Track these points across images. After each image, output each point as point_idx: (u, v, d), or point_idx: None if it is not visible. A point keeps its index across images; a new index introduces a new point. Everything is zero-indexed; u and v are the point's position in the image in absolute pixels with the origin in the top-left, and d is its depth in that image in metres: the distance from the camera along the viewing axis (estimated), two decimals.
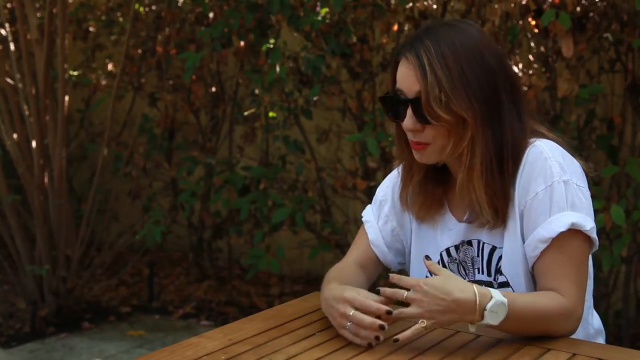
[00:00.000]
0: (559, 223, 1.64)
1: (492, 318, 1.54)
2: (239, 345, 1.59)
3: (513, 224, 1.70)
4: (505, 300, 1.54)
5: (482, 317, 1.54)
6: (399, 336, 1.55)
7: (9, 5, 4.84)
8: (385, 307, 1.57)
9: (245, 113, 4.48)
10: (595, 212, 3.11)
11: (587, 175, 1.72)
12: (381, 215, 1.92)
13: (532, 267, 1.69)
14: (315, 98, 4.06)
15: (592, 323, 1.82)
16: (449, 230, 1.80)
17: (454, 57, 1.64)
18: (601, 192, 3.24)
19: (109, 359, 3.88)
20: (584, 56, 3.56)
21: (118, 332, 4.25)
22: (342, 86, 4.03)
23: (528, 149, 1.69)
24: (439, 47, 1.64)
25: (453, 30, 1.68)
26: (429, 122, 1.65)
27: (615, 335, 3.67)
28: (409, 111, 1.67)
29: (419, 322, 1.55)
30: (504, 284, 1.73)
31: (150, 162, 4.88)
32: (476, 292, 1.53)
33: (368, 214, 1.95)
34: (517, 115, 1.70)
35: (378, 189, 1.96)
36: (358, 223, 4.61)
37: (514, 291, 1.71)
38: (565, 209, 1.64)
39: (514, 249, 1.70)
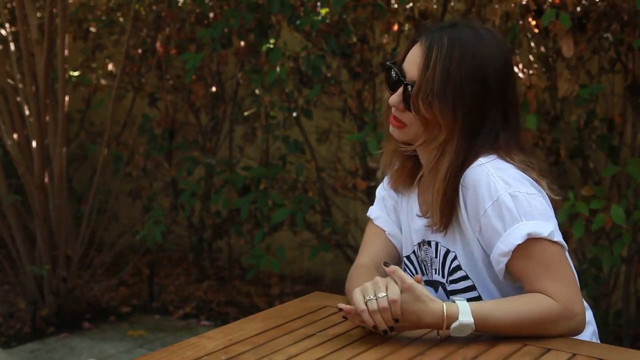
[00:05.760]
0: (515, 235, 1.64)
1: (459, 334, 1.60)
2: (239, 345, 1.60)
3: (465, 231, 1.72)
4: (471, 321, 1.58)
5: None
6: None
7: (9, 5, 4.84)
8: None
9: (246, 113, 4.48)
10: (595, 212, 3.13)
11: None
12: (388, 209, 1.94)
13: (505, 278, 1.70)
14: (315, 98, 4.06)
15: None
16: (417, 223, 1.84)
17: (459, 64, 1.67)
18: (601, 192, 3.24)
19: (109, 359, 3.88)
20: (584, 56, 3.56)
21: (118, 332, 4.25)
22: (342, 86, 4.03)
23: (472, 168, 1.68)
24: (452, 49, 1.68)
25: (476, 39, 1.71)
26: (410, 110, 1.72)
27: (615, 335, 3.67)
28: (400, 90, 1.74)
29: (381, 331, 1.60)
30: (470, 288, 1.75)
31: (151, 162, 4.87)
32: (445, 313, 1.58)
33: (375, 211, 1.97)
34: (493, 139, 1.70)
35: (378, 189, 1.99)
36: (358, 223, 4.62)
37: (480, 294, 1.74)
38: (518, 220, 1.64)
39: (469, 253, 1.73)
